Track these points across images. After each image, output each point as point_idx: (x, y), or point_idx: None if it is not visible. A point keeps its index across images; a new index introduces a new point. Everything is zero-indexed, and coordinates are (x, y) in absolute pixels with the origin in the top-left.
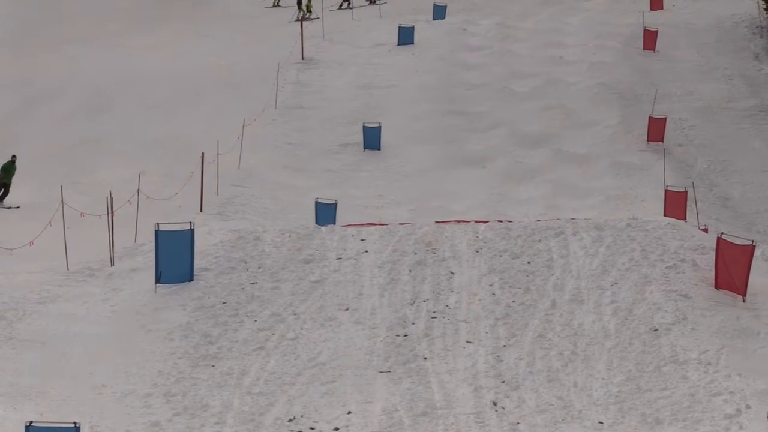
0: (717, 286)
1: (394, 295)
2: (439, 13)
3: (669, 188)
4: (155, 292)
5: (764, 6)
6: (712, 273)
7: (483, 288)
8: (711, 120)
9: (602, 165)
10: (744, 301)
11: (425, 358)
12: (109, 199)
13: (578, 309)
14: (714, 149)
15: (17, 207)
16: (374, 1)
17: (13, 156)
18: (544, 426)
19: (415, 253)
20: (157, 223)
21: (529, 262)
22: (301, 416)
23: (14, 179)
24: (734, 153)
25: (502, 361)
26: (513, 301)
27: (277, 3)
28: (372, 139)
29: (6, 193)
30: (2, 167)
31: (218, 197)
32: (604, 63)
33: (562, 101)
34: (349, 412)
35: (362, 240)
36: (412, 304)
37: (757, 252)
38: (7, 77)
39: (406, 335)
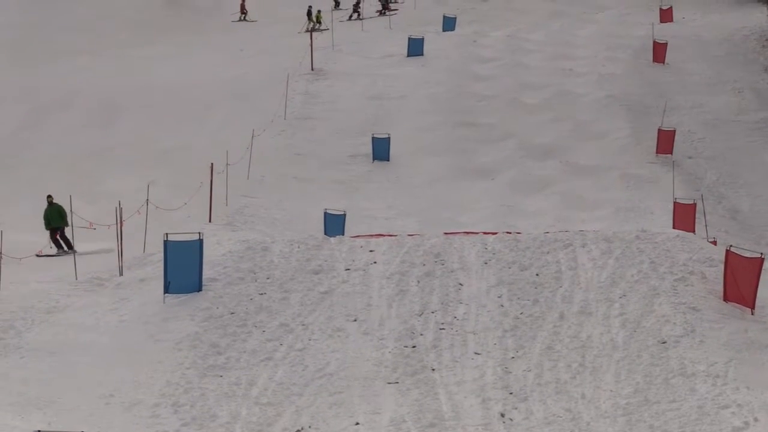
0: (725, 298)
1: (402, 306)
2: (449, 24)
3: (678, 200)
4: (164, 302)
5: None
6: (721, 286)
7: (491, 299)
8: (720, 132)
9: (611, 177)
10: (752, 313)
11: (433, 370)
12: (118, 209)
13: (587, 321)
14: (723, 162)
15: (75, 251)
16: (384, 13)
17: (49, 197)
18: None
19: (424, 265)
20: (166, 233)
21: (537, 274)
22: (309, 427)
23: (26, 190)
24: (743, 166)
25: (510, 372)
26: (521, 313)
27: (244, 18)
28: (381, 150)
29: (65, 238)
30: (44, 216)
31: (227, 207)
32: (614, 75)
33: (572, 113)
34: (357, 423)
35: (371, 251)
36: (420, 315)
37: (766, 265)
38: (18, 87)
39: (414, 346)
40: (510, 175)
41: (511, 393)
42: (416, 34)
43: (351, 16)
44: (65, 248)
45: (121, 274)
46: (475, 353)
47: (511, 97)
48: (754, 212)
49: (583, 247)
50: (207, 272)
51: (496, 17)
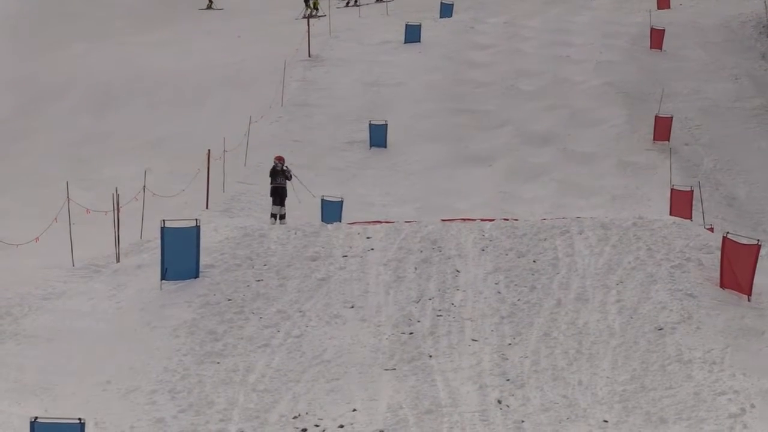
0: (722, 285)
1: (399, 292)
2: (446, 11)
3: (675, 187)
4: (161, 289)
5: None
6: (718, 272)
7: (488, 286)
8: (717, 119)
9: (608, 164)
10: (749, 300)
11: (430, 356)
12: (115, 195)
13: (583, 308)
14: (720, 148)
15: None
16: None
17: None
18: (549, 424)
19: (421, 251)
20: (163, 220)
21: (534, 261)
22: (306, 413)
23: (23, 177)
24: (740, 152)
25: (507, 359)
26: (518, 300)
27: (210, 6)
28: (378, 136)
29: None
30: None
31: (224, 194)
32: (611, 62)
33: (569, 100)
34: (354, 410)
35: (368, 238)
36: (417, 302)
37: (763, 251)
38: (14, 74)
39: (411, 333)
40: (507, 161)
41: (508, 380)
42: (413, 21)
43: (348, 3)
44: None
45: (117, 260)
46: (473, 340)
47: (508, 84)
48: (750, 199)
49: (580, 233)
50: (204, 259)
51: (493, 4)
